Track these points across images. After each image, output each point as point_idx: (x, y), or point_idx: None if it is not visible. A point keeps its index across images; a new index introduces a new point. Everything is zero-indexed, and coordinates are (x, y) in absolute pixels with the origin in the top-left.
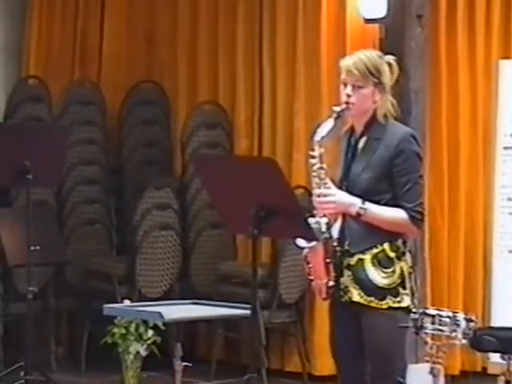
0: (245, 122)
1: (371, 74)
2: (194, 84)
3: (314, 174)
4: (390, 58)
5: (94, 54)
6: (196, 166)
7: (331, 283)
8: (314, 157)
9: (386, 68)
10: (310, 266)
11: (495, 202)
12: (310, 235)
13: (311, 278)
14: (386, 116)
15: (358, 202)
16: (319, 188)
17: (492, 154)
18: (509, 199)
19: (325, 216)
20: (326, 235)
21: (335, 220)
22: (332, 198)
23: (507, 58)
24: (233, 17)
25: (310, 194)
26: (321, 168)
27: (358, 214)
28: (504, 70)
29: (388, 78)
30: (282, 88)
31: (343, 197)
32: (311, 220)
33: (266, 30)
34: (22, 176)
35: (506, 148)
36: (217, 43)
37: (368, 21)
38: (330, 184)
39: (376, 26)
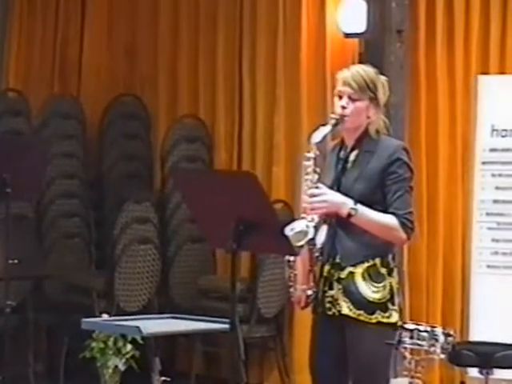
0: (225, 136)
1: (368, 88)
2: (175, 98)
3: (307, 176)
4: (383, 79)
5: (73, 67)
6: (175, 180)
7: (310, 292)
8: (309, 158)
9: (381, 85)
10: (291, 270)
11: (474, 217)
12: (288, 250)
13: (291, 283)
14: (377, 132)
15: (349, 202)
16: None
17: (471, 168)
18: (487, 214)
19: (313, 219)
20: (313, 241)
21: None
22: (324, 197)
23: (486, 73)
24: (213, 31)
25: (290, 208)
26: (314, 171)
27: (349, 215)
28: (482, 85)
29: (383, 95)
30: (262, 102)
31: (335, 196)
32: (301, 223)
33: (246, 44)
34: (0, 189)
35: (484, 163)
36: (197, 57)
37: (348, 35)
38: (322, 186)
39: (356, 40)
